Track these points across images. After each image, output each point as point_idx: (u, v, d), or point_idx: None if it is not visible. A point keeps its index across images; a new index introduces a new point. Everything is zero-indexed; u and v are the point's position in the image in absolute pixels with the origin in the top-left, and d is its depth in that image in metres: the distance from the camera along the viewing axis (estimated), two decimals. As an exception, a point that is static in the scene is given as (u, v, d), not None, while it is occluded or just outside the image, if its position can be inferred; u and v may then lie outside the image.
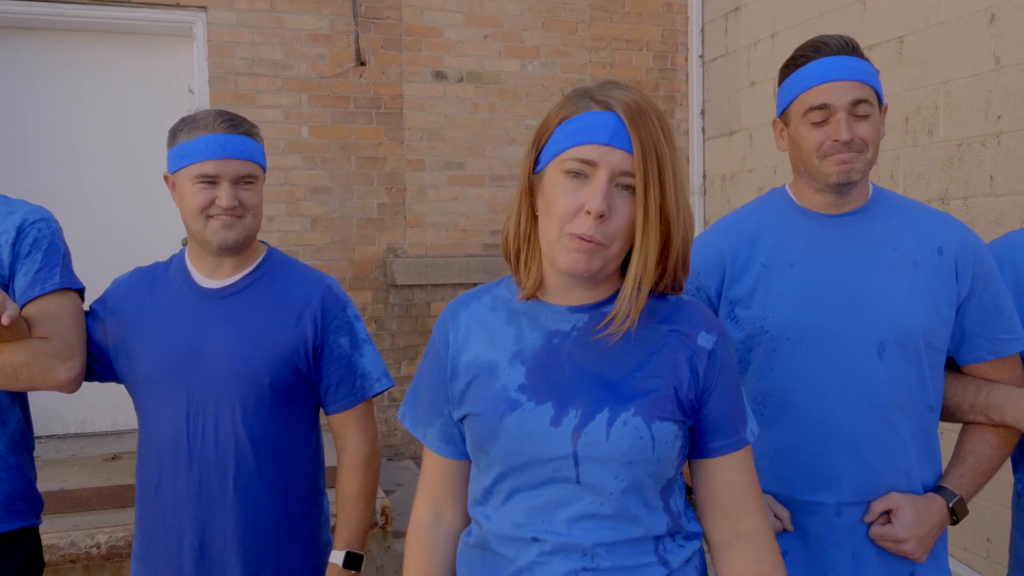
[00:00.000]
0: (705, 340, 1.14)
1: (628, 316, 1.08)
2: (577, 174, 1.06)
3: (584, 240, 1.05)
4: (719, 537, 1.17)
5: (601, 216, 1.04)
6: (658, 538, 1.12)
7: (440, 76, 4.35)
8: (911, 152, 3.09)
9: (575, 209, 1.05)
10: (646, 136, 1.05)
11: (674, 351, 1.13)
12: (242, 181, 1.58)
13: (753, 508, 1.16)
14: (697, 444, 1.16)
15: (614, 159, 1.05)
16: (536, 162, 1.14)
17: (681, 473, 1.20)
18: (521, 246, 1.16)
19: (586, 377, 1.11)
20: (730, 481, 1.16)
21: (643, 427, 1.07)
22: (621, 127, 1.05)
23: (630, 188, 1.06)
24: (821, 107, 1.41)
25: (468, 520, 1.26)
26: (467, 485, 1.26)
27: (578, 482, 1.09)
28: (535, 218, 1.15)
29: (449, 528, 1.26)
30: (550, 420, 1.09)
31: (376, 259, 4.29)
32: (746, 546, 1.15)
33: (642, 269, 1.07)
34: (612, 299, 1.15)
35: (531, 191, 1.15)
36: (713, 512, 1.17)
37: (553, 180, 1.09)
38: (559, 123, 1.10)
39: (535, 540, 1.10)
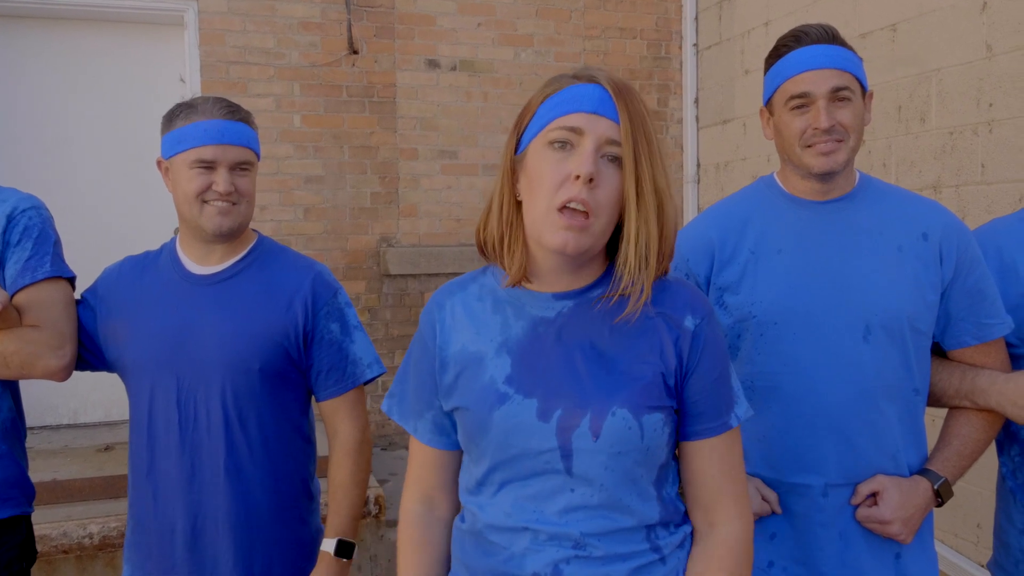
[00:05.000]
0: (690, 322, 1.12)
1: (642, 293, 1.07)
2: (563, 144, 1.05)
3: (573, 213, 1.03)
4: (696, 525, 1.17)
5: (591, 180, 1.03)
6: (650, 527, 1.12)
7: (433, 65, 4.34)
8: (903, 140, 3.10)
9: (562, 178, 1.04)
10: (633, 108, 1.06)
11: (661, 335, 1.11)
12: (238, 167, 1.58)
13: (728, 502, 1.14)
14: (681, 427, 1.14)
15: (601, 127, 1.05)
16: (518, 144, 1.13)
17: (675, 460, 1.19)
18: (504, 231, 1.13)
19: (573, 366, 1.10)
20: (708, 467, 1.13)
21: (631, 419, 1.07)
22: (607, 97, 1.06)
23: (615, 161, 1.06)
24: (801, 95, 1.43)
25: (459, 508, 1.26)
26: (458, 474, 1.25)
27: (569, 474, 1.08)
28: (517, 203, 1.13)
29: (442, 516, 1.26)
30: (537, 413, 1.09)
31: (369, 248, 4.28)
32: (711, 547, 1.13)
33: (646, 238, 1.06)
34: (597, 284, 1.14)
35: (512, 174, 1.13)
36: (691, 498, 1.16)
37: (537, 155, 1.08)
38: (543, 101, 1.10)
39: (527, 529, 1.10)
